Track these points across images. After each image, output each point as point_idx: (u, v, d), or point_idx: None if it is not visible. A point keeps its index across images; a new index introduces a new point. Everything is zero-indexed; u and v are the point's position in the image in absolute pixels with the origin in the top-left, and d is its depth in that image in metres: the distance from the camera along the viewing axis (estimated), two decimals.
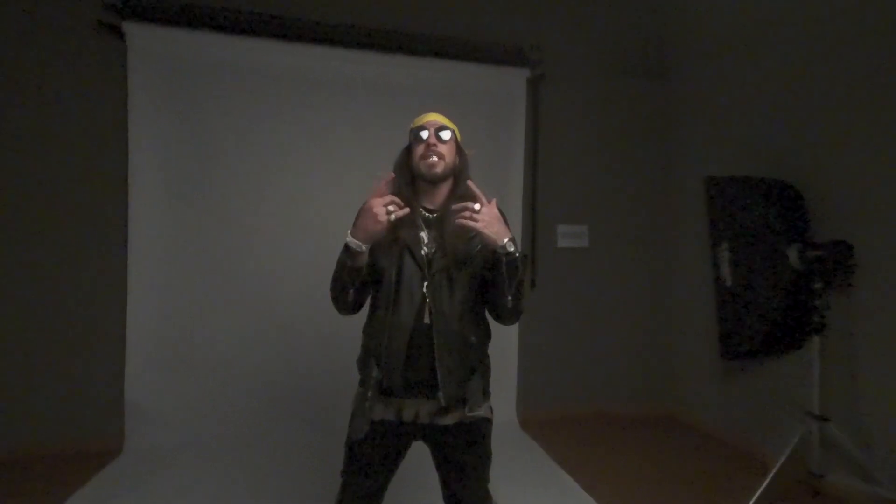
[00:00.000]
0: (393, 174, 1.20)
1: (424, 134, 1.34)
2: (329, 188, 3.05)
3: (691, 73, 3.44)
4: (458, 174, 1.38)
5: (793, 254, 2.32)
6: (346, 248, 1.23)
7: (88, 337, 2.76)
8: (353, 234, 1.22)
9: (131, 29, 2.76)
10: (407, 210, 1.20)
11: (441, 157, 1.32)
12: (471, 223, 1.18)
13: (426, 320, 1.26)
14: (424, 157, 1.32)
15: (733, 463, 2.72)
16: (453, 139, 1.38)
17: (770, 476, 2.20)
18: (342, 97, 3.09)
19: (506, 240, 1.21)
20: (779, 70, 2.73)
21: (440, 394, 1.26)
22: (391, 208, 1.18)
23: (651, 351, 3.60)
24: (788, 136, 2.66)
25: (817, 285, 2.24)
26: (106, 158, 2.79)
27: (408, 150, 1.41)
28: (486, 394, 1.37)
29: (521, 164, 3.39)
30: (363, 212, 1.20)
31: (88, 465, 2.52)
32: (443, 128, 1.35)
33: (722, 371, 3.09)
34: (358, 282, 1.26)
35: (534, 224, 3.43)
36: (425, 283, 1.27)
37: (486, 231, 1.19)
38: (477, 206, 1.20)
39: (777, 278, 2.44)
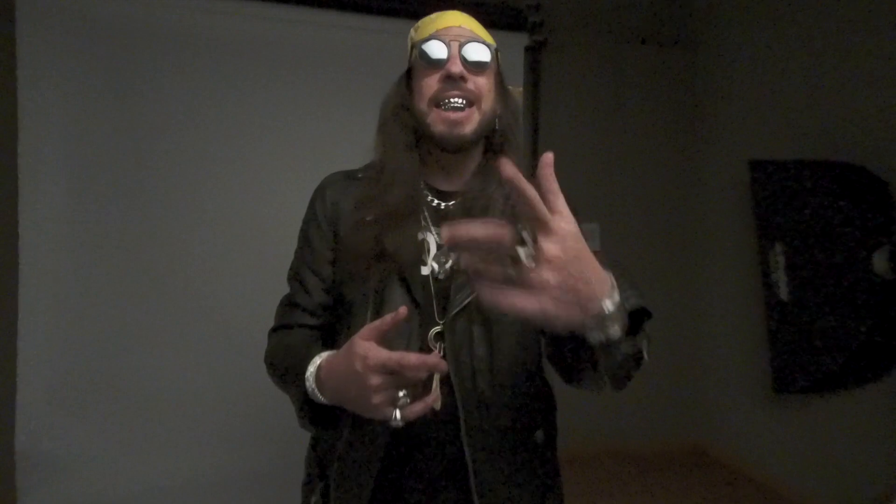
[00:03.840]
0: (405, 309, 0.60)
1: (439, 50, 0.71)
2: (285, 178, 2.52)
3: (724, 37, 2.94)
4: (499, 131, 0.77)
5: (880, 259, 1.82)
6: (300, 388, 0.67)
7: None
8: (318, 384, 0.65)
9: None
10: (435, 398, 0.63)
11: (472, 100, 0.72)
12: (520, 307, 0.48)
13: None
14: (440, 98, 0.71)
15: None
16: (494, 66, 0.76)
17: None
18: (297, 67, 2.58)
19: (609, 305, 0.51)
20: (842, 26, 2.18)
21: None
22: (402, 395, 0.58)
23: (677, 375, 3.10)
24: (858, 109, 2.11)
25: None
26: None
27: (407, 81, 0.78)
28: None
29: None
30: (350, 369, 0.59)
31: None
32: (474, 40, 0.72)
33: (769, 400, 2.54)
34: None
35: None
36: (433, 332, 0.71)
37: (564, 313, 0.49)
38: (521, 254, 0.50)
39: (855, 291, 1.90)
